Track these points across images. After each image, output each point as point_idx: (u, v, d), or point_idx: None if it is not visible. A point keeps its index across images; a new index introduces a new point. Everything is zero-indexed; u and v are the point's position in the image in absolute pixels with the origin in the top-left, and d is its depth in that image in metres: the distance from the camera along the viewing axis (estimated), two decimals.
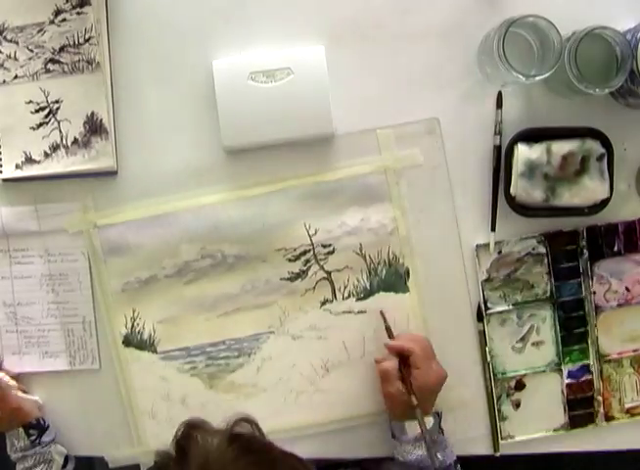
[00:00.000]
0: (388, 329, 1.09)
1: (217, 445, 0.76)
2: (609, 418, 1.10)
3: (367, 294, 1.11)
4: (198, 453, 0.75)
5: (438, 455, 1.03)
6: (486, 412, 1.11)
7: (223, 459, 0.74)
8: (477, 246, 1.09)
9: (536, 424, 1.10)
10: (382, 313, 1.09)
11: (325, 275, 1.11)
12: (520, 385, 1.10)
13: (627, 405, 1.11)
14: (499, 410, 1.10)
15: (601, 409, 1.10)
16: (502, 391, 1.11)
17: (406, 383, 1.03)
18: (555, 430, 1.10)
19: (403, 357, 1.04)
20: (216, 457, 0.74)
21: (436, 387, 1.04)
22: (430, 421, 1.03)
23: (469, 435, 1.11)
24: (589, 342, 1.09)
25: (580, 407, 1.10)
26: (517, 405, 1.10)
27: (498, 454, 1.10)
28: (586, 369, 1.10)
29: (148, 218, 1.11)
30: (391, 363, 1.04)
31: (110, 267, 1.12)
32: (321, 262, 1.11)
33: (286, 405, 1.13)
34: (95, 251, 1.12)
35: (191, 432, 0.78)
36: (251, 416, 0.83)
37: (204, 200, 1.10)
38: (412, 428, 1.03)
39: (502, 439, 1.10)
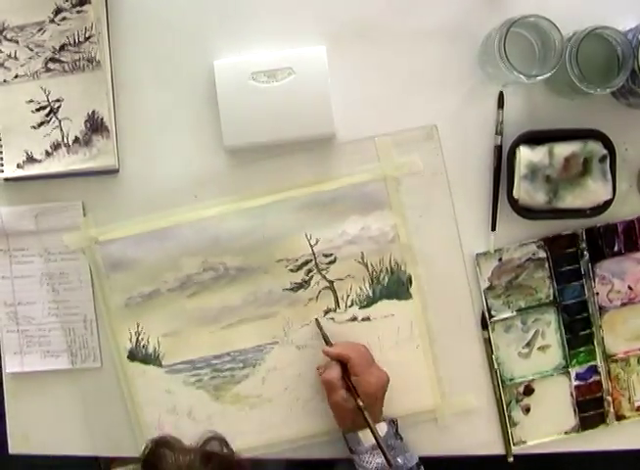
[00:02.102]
0: (324, 337, 1.09)
1: (189, 463, 0.76)
2: (619, 417, 1.09)
3: (370, 302, 1.10)
4: None
5: (398, 459, 1.02)
6: (497, 419, 1.09)
7: None
8: (477, 255, 1.09)
9: (547, 428, 1.09)
10: (317, 321, 1.09)
11: (327, 284, 1.10)
12: (528, 390, 1.09)
13: (637, 403, 1.10)
14: (509, 416, 1.09)
15: (611, 409, 1.09)
16: (511, 397, 1.10)
17: (350, 389, 1.02)
18: (566, 432, 1.09)
19: (344, 365, 1.04)
20: None
21: (379, 392, 1.04)
22: (382, 428, 1.03)
23: (481, 441, 1.10)
24: (595, 343, 1.09)
25: (590, 408, 1.09)
26: (527, 410, 1.09)
27: (511, 460, 1.09)
28: (594, 370, 1.09)
29: (148, 233, 1.10)
30: (334, 372, 1.04)
31: (112, 283, 1.11)
32: (323, 272, 1.10)
33: (292, 415, 1.12)
34: (97, 266, 1.11)
35: (160, 450, 0.78)
36: (221, 434, 0.83)
37: (203, 213, 1.10)
38: (367, 436, 1.02)
39: (514, 444, 1.09)
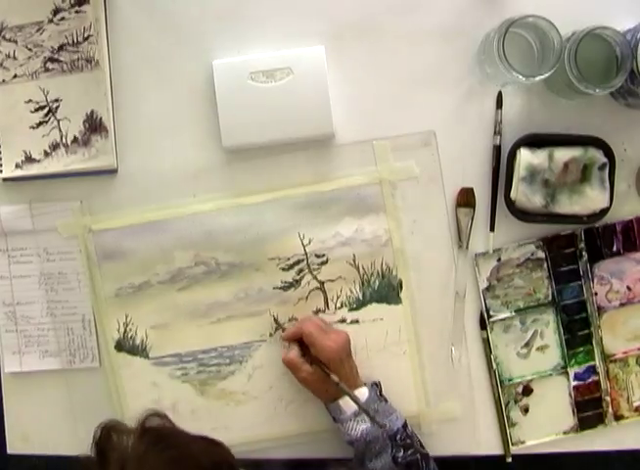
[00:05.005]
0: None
1: (131, 442, 0.77)
2: (618, 417, 1.09)
3: (360, 304, 1.11)
4: (116, 455, 0.76)
5: (385, 422, 1.02)
6: (495, 419, 1.09)
7: (136, 455, 0.76)
8: (476, 255, 1.09)
9: (546, 428, 1.10)
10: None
11: (318, 285, 1.10)
12: (527, 390, 1.09)
13: (636, 404, 1.10)
14: (508, 417, 1.09)
15: (610, 409, 1.09)
16: (510, 397, 1.10)
17: (317, 362, 1.03)
18: (565, 433, 1.09)
19: (303, 343, 1.06)
20: (131, 455, 0.76)
21: (341, 353, 1.04)
22: (363, 392, 1.03)
23: (479, 442, 1.09)
24: (594, 343, 1.09)
25: (589, 409, 1.09)
26: (525, 411, 1.09)
27: (509, 460, 1.09)
28: (592, 370, 1.09)
29: (142, 224, 1.11)
30: (292, 352, 1.05)
31: (104, 272, 1.11)
32: (314, 272, 1.10)
33: (276, 414, 1.12)
34: (89, 255, 1.11)
35: (108, 434, 0.80)
36: (160, 410, 0.85)
37: (199, 207, 1.10)
38: (347, 404, 1.02)
39: (513, 444, 1.09)
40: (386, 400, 1.05)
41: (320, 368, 1.02)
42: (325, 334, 1.04)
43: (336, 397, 1.03)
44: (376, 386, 1.05)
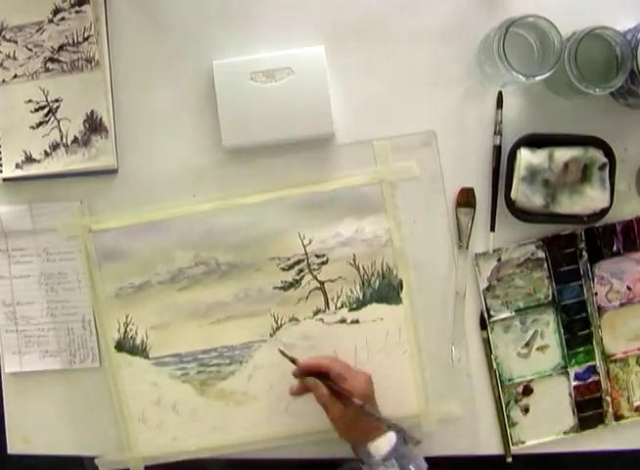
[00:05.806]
0: (292, 360, 1.06)
1: None
2: (618, 417, 1.09)
3: (360, 305, 1.11)
4: None
5: (411, 467, 1.00)
6: (496, 419, 1.09)
7: None
8: (476, 255, 1.09)
9: (546, 428, 1.09)
10: (281, 351, 1.07)
11: (318, 285, 1.10)
12: (527, 390, 1.09)
13: (636, 404, 1.10)
14: (508, 416, 1.09)
15: (610, 409, 1.09)
16: (510, 397, 1.10)
17: (342, 396, 1.00)
18: (565, 433, 1.09)
19: (321, 377, 1.03)
20: None
21: (370, 392, 1.03)
22: (391, 437, 1.00)
23: (479, 442, 1.09)
24: (594, 343, 1.09)
25: (589, 409, 1.09)
26: (525, 411, 1.09)
27: (509, 460, 1.09)
28: (593, 370, 1.09)
29: (142, 224, 1.11)
30: (322, 389, 1.01)
31: (104, 272, 1.12)
32: (314, 272, 1.10)
33: (277, 414, 1.12)
34: (89, 255, 1.12)
35: None
36: None
37: (199, 207, 1.10)
38: (377, 448, 1.00)
39: (513, 444, 1.09)
40: (415, 443, 1.04)
41: (351, 403, 0.99)
42: (350, 370, 1.03)
43: (364, 440, 1.00)
44: (401, 430, 1.02)
